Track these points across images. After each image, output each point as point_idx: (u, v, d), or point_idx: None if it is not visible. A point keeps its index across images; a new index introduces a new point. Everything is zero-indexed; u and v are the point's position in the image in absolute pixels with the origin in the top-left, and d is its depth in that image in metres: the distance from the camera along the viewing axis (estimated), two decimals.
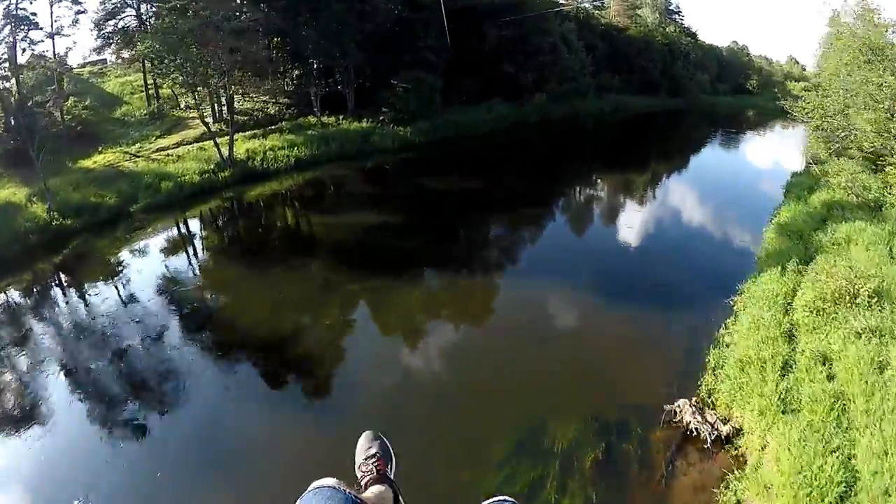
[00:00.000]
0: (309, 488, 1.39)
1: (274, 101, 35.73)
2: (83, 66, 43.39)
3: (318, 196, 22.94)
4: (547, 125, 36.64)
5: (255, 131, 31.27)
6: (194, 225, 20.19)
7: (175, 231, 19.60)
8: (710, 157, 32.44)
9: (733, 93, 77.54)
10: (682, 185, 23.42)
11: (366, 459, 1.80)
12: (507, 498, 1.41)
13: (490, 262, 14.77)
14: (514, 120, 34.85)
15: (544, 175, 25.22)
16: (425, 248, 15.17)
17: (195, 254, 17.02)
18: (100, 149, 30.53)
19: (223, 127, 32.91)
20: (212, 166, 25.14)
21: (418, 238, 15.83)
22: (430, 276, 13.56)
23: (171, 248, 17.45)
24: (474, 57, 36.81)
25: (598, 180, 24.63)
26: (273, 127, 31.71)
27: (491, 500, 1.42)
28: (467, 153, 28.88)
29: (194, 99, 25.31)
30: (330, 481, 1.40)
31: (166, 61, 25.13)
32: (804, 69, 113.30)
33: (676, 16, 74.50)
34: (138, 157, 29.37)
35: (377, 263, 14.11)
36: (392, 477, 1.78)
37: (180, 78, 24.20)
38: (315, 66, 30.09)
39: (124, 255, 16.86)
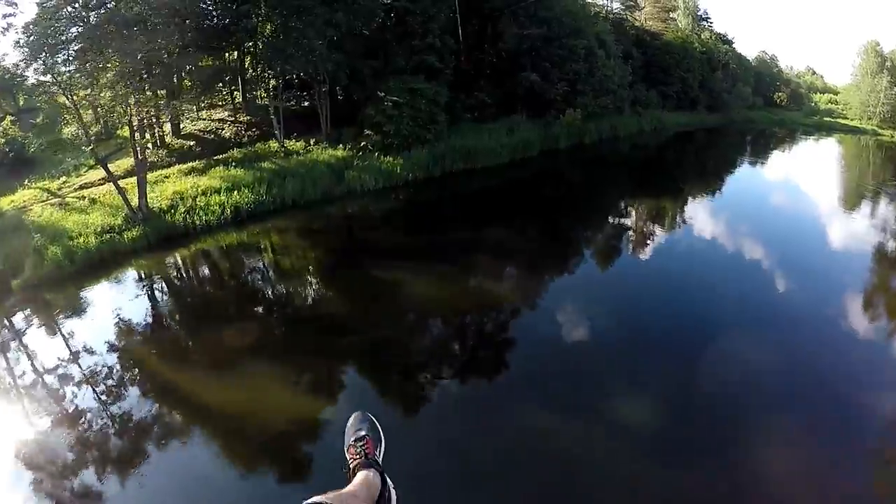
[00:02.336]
0: None
1: (232, 119, 26.56)
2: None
3: (228, 296, 13.36)
4: (583, 151, 27.15)
5: (195, 163, 22.11)
6: (70, 326, 11.33)
7: (41, 336, 10.90)
8: (797, 202, 22.63)
9: (765, 106, 68.04)
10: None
11: (354, 441, 1.67)
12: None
13: None
14: (541, 145, 25.23)
15: (598, 249, 15.71)
16: None
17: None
18: (26, 181, 22.10)
19: (163, 157, 23.99)
20: (119, 220, 16.20)
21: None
22: None
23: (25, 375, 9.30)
24: (489, 62, 27.46)
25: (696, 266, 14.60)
26: (221, 157, 22.50)
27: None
28: (480, 199, 19.36)
29: (78, 125, 16.19)
30: (318, 498, 1.25)
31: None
32: (822, 79, 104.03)
33: (705, 22, 65.21)
34: (58, 196, 20.55)
35: None
36: (380, 459, 1.66)
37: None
38: (273, 73, 20.78)
39: None
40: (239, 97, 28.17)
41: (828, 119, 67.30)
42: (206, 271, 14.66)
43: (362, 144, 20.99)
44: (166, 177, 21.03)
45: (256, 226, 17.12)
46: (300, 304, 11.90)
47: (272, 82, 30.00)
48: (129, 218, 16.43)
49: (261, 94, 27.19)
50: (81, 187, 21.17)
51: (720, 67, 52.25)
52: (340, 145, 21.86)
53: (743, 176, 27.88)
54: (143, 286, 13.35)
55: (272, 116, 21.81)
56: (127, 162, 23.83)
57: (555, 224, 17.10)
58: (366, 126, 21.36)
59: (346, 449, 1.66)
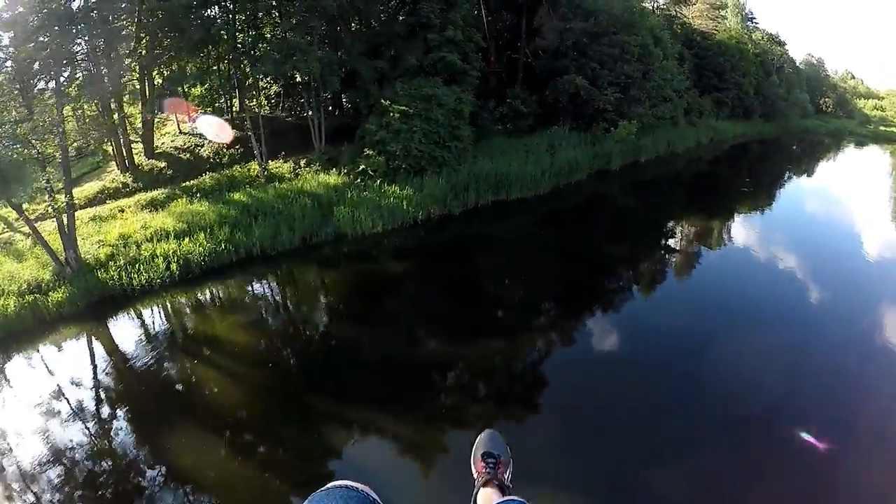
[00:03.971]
0: (323, 487, 1.11)
1: None
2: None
3: (149, 394, 8.07)
4: (639, 171, 21.01)
5: (157, 193, 17.05)
6: None
7: None
8: None
9: (815, 113, 60.40)
10: None
11: (485, 457, 1.59)
12: None
13: None
14: (590, 166, 19.22)
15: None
16: None
17: None
18: None
19: (129, 182, 19.00)
20: (48, 275, 11.58)
21: None
22: None
23: None
24: (523, 63, 21.68)
25: None
26: (189, 183, 17.46)
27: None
28: (516, 253, 13.45)
29: None
30: (348, 482, 1.15)
31: None
32: (863, 83, 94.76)
33: (750, 23, 57.94)
34: (12, 228, 15.96)
35: None
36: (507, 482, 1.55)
37: None
38: (246, 78, 15.51)
39: None
40: (237, 106, 23.13)
41: (882, 128, 60.67)
42: (135, 353, 9.55)
43: (360, 168, 15.47)
44: (121, 210, 16.10)
45: (210, 285, 11.92)
46: (236, 419, 6.48)
47: (273, 88, 24.69)
48: (58, 273, 11.63)
49: (259, 102, 22.07)
50: (38, 218, 16.38)
51: (774, 72, 45.19)
52: (335, 168, 16.46)
53: (825, 200, 21.44)
54: (56, 371, 8.92)
55: (250, 133, 16.51)
56: (94, 186, 19.07)
57: (633, 308, 11.11)
58: (366, 144, 15.85)
59: (473, 461, 1.60)
